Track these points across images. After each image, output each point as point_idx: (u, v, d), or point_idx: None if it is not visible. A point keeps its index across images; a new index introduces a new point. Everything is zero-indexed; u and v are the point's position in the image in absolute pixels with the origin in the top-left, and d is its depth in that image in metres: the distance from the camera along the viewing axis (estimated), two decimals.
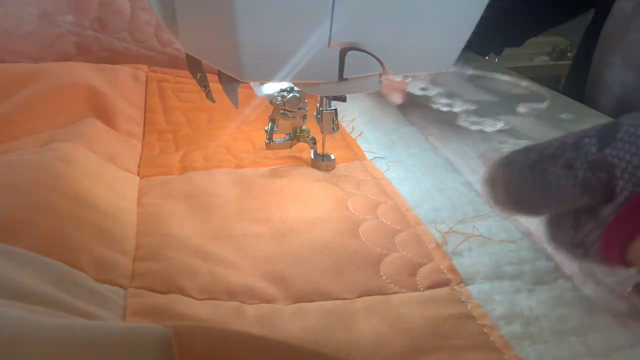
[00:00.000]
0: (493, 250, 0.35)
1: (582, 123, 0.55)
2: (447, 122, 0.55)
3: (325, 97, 0.42)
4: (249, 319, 0.28)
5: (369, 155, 0.47)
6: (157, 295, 0.29)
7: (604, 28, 0.67)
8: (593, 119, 0.57)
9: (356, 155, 0.47)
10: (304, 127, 0.47)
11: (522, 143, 0.44)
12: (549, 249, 0.34)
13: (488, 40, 0.75)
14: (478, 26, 0.73)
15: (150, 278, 0.30)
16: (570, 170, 0.25)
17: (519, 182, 0.26)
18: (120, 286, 0.29)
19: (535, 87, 0.64)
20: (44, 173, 0.34)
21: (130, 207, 0.37)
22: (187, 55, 0.36)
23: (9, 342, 0.15)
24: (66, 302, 0.23)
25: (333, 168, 0.45)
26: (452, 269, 0.32)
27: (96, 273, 0.29)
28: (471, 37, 0.73)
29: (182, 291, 0.29)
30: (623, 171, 0.23)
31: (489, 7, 0.73)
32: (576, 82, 0.71)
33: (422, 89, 0.61)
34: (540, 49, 1.48)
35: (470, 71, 0.46)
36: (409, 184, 0.43)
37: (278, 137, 0.45)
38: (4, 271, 0.22)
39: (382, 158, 0.47)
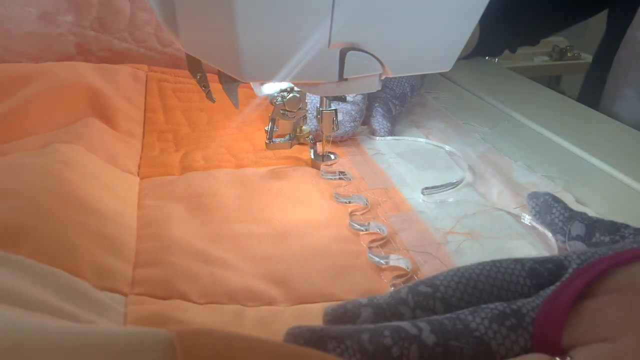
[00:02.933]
0: (495, 247, 0.35)
1: (583, 125, 0.55)
2: (448, 121, 0.55)
3: (325, 97, 0.42)
4: (249, 322, 0.28)
5: (370, 152, 0.47)
6: (158, 302, 0.29)
7: (617, 55, 0.66)
8: (594, 118, 0.57)
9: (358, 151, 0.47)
10: (304, 127, 0.47)
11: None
12: (553, 243, 0.34)
13: (503, 39, 0.75)
14: (494, 24, 0.73)
15: (151, 284, 0.30)
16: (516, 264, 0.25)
17: None
18: (121, 293, 0.29)
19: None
20: (44, 177, 0.34)
21: (131, 210, 0.37)
22: (187, 55, 0.36)
23: (16, 345, 0.15)
24: (67, 311, 0.23)
25: None
26: None
27: (97, 280, 0.28)
28: (485, 35, 0.73)
29: (182, 296, 0.29)
30: (570, 262, 0.25)
31: (506, 5, 0.73)
32: (589, 101, 0.71)
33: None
34: (540, 48, 1.47)
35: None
36: (409, 183, 0.43)
37: (278, 137, 0.45)
38: (5, 281, 0.22)
39: (383, 154, 0.47)
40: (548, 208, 0.35)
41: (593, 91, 0.72)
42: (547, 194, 0.36)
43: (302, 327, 0.22)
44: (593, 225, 0.32)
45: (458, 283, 0.24)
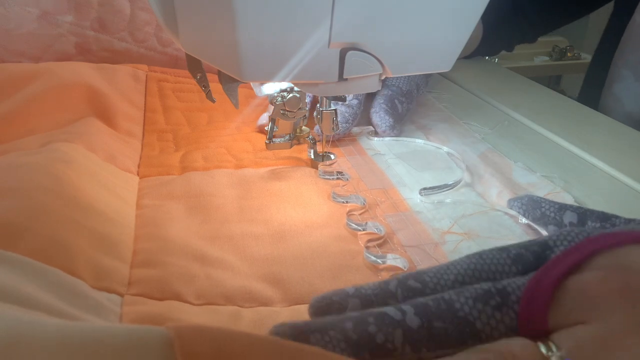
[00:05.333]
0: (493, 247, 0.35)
1: (581, 124, 0.55)
2: (448, 121, 0.55)
3: (325, 97, 0.42)
4: (245, 323, 0.28)
5: (369, 152, 0.47)
6: (154, 302, 0.29)
7: (622, 39, 0.67)
8: (594, 119, 0.57)
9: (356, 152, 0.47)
10: (304, 127, 0.47)
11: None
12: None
13: (505, 38, 0.75)
14: (497, 23, 0.73)
15: (147, 284, 0.30)
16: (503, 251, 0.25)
17: None
18: (117, 293, 0.29)
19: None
20: (44, 175, 0.34)
21: (129, 210, 0.37)
22: (187, 55, 0.36)
23: (15, 342, 0.15)
24: (63, 311, 0.23)
25: None
26: None
27: (94, 280, 0.28)
28: (489, 34, 0.73)
29: (179, 297, 0.29)
30: (555, 241, 0.25)
31: (509, 3, 0.73)
32: (589, 92, 0.71)
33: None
34: (540, 49, 1.48)
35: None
36: (408, 183, 0.43)
37: (278, 138, 0.45)
38: (4, 279, 0.22)
39: (382, 155, 0.47)
40: (535, 204, 0.36)
41: (596, 79, 0.72)
42: (527, 195, 0.37)
43: (284, 324, 0.22)
44: (585, 213, 0.33)
45: (447, 280, 0.25)
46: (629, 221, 0.30)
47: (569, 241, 0.25)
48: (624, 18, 0.67)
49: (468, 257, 0.26)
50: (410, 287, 0.24)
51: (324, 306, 0.24)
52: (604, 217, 0.31)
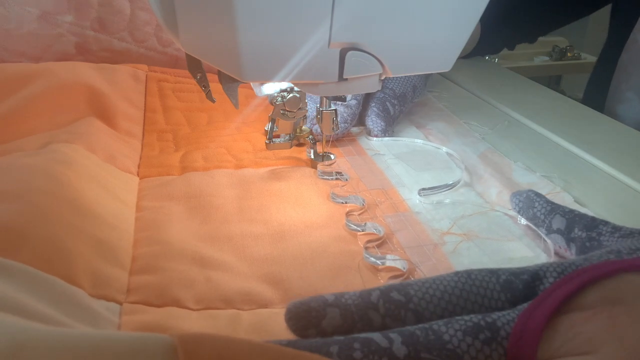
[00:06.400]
0: (492, 248, 0.35)
1: (580, 123, 0.55)
2: (448, 121, 0.55)
3: (325, 97, 0.42)
4: (244, 326, 0.28)
5: (368, 152, 0.47)
6: (153, 310, 0.28)
7: (620, 58, 0.67)
8: (593, 119, 0.57)
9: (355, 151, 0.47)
10: (304, 127, 0.47)
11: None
12: (550, 245, 0.34)
13: (503, 37, 0.75)
14: (495, 23, 0.73)
15: (146, 291, 0.30)
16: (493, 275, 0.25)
17: None
18: (116, 301, 0.28)
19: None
20: (44, 178, 0.34)
21: (129, 213, 0.37)
22: (187, 55, 0.36)
23: (19, 349, 0.15)
24: (61, 322, 0.23)
25: None
26: (451, 270, 0.32)
27: (92, 288, 0.28)
28: (487, 33, 0.73)
29: (178, 303, 0.29)
30: (546, 272, 0.25)
31: (508, 3, 0.73)
32: (593, 104, 0.71)
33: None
34: (540, 48, 1.47)
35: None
36: (407, 184, 0.43)
37: (278, 138, 0.45)
38: (4, 290, 0.22)
39: (381, 155, 0.47)
40: (530, 202, 0.36)
41: (597, 93, 0.72)
42: (530, 190, 0.37)
43: (267, 343, 0.21)
44: (573, 219, 0.33)
45: (432, 296, 0.24)
46: (615, 230, 0.30)
47: (559, 273, 0.25)
48: (622, 27, 0.66)
49: (456, 274, 0.25)
50: (392, 299, 0.24)
51: (302, 312, 0.23)
52: (592, 225, 0.31)
